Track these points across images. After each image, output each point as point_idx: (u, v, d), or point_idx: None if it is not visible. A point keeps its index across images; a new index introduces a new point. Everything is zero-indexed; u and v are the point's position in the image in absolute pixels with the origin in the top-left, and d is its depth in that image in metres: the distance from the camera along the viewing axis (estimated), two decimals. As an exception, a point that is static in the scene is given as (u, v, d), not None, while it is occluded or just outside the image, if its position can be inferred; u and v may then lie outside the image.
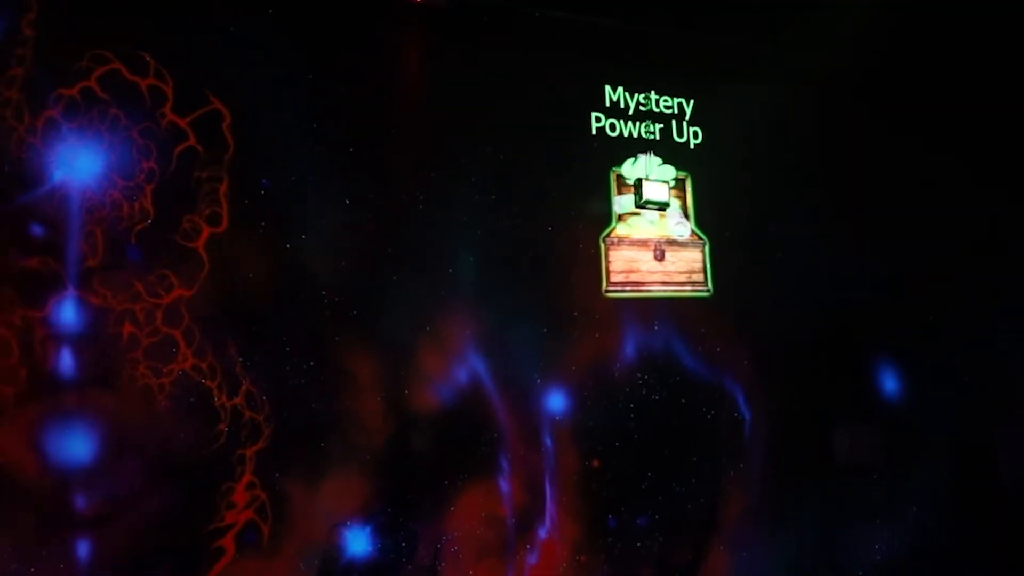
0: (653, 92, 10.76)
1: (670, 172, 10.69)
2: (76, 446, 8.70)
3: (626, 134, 10.68)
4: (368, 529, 9.52)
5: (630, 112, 10.69)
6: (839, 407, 10.79)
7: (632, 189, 10.49)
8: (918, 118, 10.99)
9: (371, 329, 9.62)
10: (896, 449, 10.75)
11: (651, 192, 10.49)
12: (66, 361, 8.72)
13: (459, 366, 9.89)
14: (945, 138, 10.92)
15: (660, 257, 10.55)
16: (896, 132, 10.99)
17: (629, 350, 10.38)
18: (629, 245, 10.52)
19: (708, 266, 10.69)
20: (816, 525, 10.34)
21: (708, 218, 10.71)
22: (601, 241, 10.46)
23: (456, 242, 9.95)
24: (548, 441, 10.09)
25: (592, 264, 10.39)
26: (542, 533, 9.97)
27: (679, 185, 10.72)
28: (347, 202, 9.70)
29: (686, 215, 10.70)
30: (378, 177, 9.78)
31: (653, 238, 10.53)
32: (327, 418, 9.47)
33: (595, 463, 10.19)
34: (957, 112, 10.90)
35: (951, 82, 10.82)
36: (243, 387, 9.26)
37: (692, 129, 10.88)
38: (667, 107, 10.88)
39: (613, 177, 10.57)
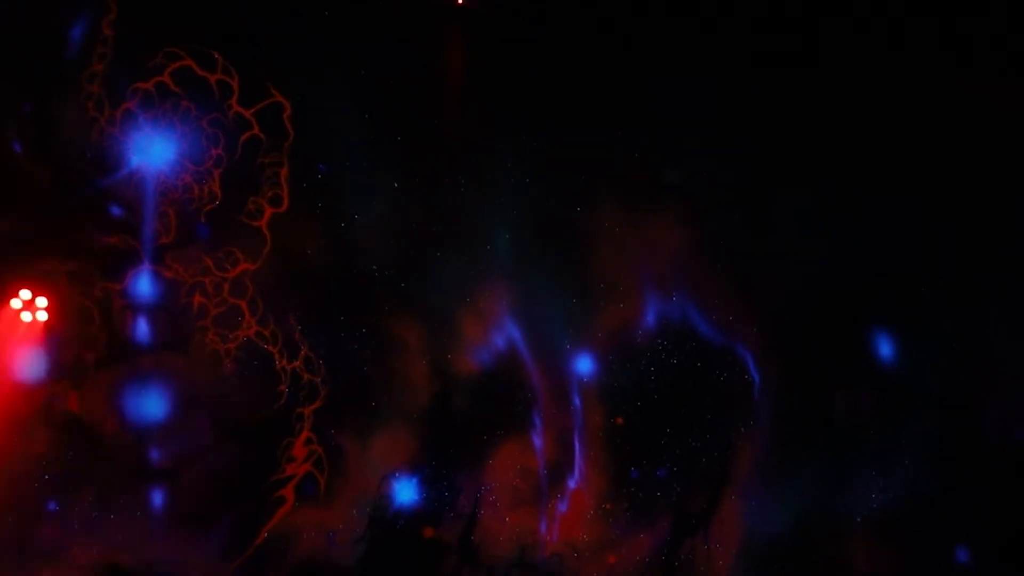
0: (668, 88, 10.73)
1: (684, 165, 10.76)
2: (151, 405, 9.00)
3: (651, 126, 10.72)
4: (415, 480, 9.78)
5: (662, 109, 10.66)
6: (839, 370, 10.84)
7: (653, 173, 10.68)
8: (909, 107, 10.94)
9: (417, 300, 9.82)
10: (890, 407, 10.86)
11: (669, 175, 10.72)
12: (142, 329, 9.02)
13: (496, 333, 10.13)
14: (936, 127, 10.84)
15: (676, 232, 10.61)
16: (889, 121, 10.99)
17: (650, 318, 10.55)
18: (650, 222, 10.57)
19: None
20: (818, 476, 10.45)
21: (724, 200, 10.78)
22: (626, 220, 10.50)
23: (494, 221, 10.14)
24: (577, 401, 10.32)
25: (618, 240, 10.47)
26: (571, 484, 10.23)
27: (694, 168, 10.81)
28: (395, 185, 9.89)
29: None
30: (423, 163, 9.94)
31: (671, 214, 10.61)
32: (377, 380, 9.73)
33: (619, 420, 10.42)
34: (947, 102, 10.83)
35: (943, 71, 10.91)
36: (302, 352, 9.48)
37: (705, 121, 10.85)
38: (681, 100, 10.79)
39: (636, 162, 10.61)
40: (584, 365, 10.39)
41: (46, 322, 8.90)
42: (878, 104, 10.93)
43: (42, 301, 8.84)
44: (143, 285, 9.06)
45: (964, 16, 10.44)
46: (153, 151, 9.21)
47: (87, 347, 8.81)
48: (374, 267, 9.67)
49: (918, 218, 10.87)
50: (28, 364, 8.72)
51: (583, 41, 10.44)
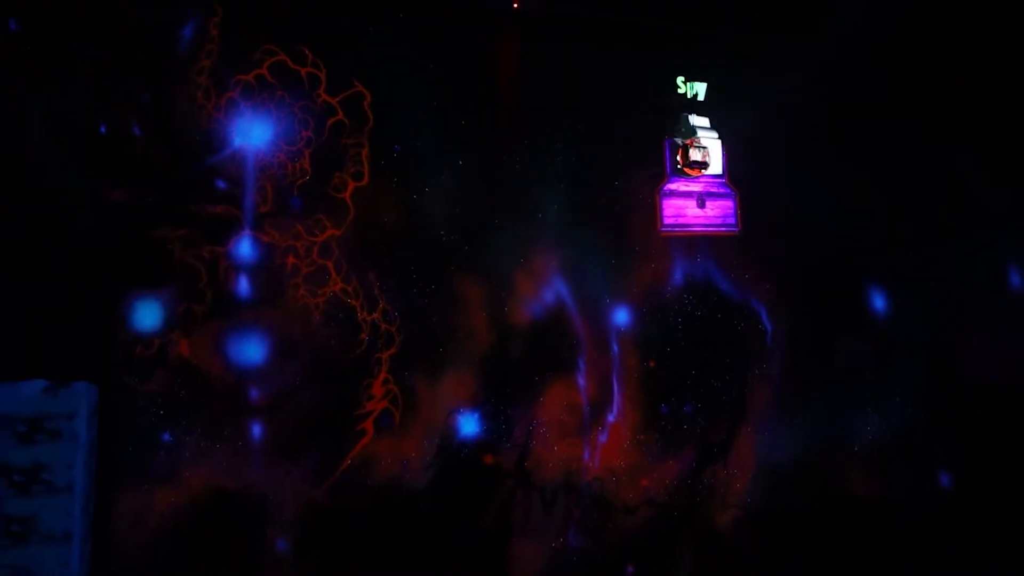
0: (697, 80, 10.51)
1: (709, 142, 10.43)
2: (251, 351, 8.68)
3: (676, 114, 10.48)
4: (476, 415, 9.47)
5: (687, 97, 10.48)
6: (839, 321, 10.61)
7: (681, 153, 10.28)
8: (904, 94, 10.70)
9: (478, 261, 9.55)
10: (883, 353, 10.58)
11: (695, 155, 10.26)
12: (243, 285, 8.72)
13: (546, 289, 9.79)
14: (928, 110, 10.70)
15: (702, 205, 10.32)
16: (888, 106, 10.70)
17: (678, 277, 10.24)
18: (678, 196, 10.31)
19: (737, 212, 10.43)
20: (821, 411, 10.23)
21: (737, 174, 10.53)
22: (656, 193, 10.26)
23: (544, 193, 9.82)
24: (615, 347, 9.97)
25: (650, 210, 10.22)
26: (610, 418, 9.88)
27: (716, 150, 10.47)
28: (460, 163, 9.57)
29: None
30: (484, 144, 9.65)
31: (697, 190, 10.31)
32: (444, 329, 9.43)
33: (651, 364, 10.06)
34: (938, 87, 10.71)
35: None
36: (380, 305, 9.18)
37: (725, 105, 10.61)
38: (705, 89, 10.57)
39: (667, 144, 10.36)
40: (621, 317, 10.02)
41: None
42: (877, 80, 10.69)
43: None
44: (244, 248, 8.75)
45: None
46: (253, 133, 8.90)
47: (196, 301, 8.50)
48: (441, 233, 9.36)
49: (906, 191, 10.66)
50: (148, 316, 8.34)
51: (619, 39, 10.14)
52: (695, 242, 10.41)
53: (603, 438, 9.87)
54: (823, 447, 10.31)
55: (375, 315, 9.21)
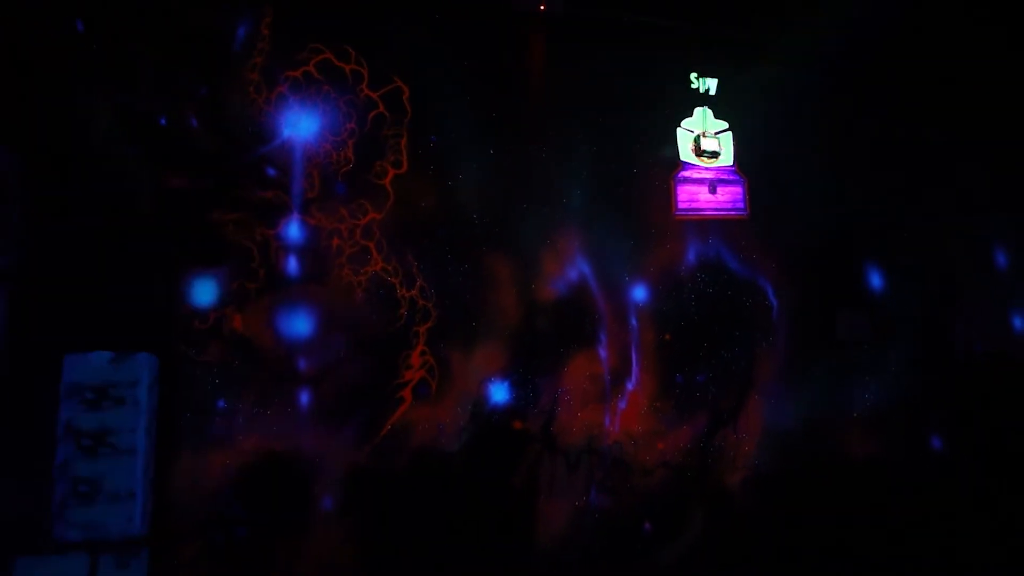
0: (708, 76, 10.49)
1: (721, 129, 10.40)
2: (299, 325, 8.62)
3: (691, 107, 10.47)
4: (506, 383, 9.38)
5: (700, 92, 10.45)
6: (840, 297, 10.56)
7: (694, 143, 10.25)
8: (902, 92, 10.65)
9: (508, 242, 9.48)
10: (880, 326, 10.53)
11: (707, 145, 10.23)
12: (291, 264, 8.67)
13: (570, 268, 9.72)
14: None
15: (713, 191, 10.24)
16: (885, 101, 10.65)
17: (691, 257, 10.18)
18: (691, 183, 10.24)
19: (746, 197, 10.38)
20: (823, 380, 10.13)
21: (745, 163, 10.44)
22: (671, 180, 10.23)
23: (568, 181, 9.76)
24: (634, 321, 9.89)
25: (665, 196, 10.16)
26: (629, 386, 9.79)
27: (726, 141, 10.42)
28: (491, 152, 9.50)
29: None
30: (513, 135, 9.59)
31: (708, 177, 10.24)
32: (476, 305, 9.37)
33: (667, 337, 9.96)
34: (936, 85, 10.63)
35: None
36: (417, 283, 9.11)
37: (734, 99, 10.55)
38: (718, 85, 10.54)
39: (681, 135, 10.35)
40: (639, 293, 9.93)
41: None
42: (875, 77, 10.63)
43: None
44: (292, 230, 8.69)
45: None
46: (301, 125, 8.85)
47: (249, 279, 8.45)
48: (474, 216, 9.32)
49: (901, 179, 10.58)
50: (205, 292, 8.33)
51: (637, 39, 10.11)
52: (707, 225, 10.32)
53: (622, 405, 9.76)
54: (824, 413, 10.18)
55: (413, 292, 9.14)
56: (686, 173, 10.31)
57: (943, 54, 10.45)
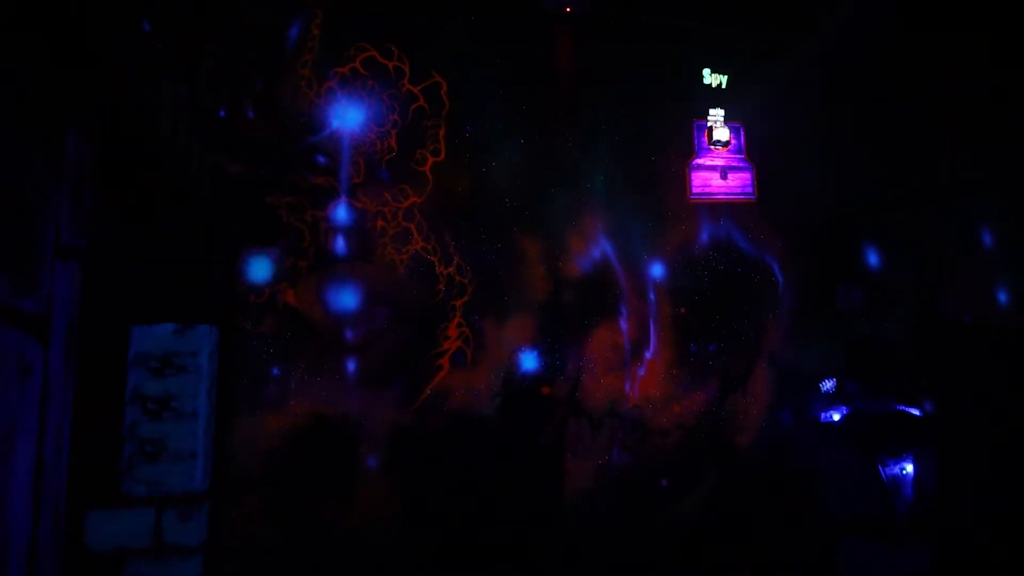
0: (720, 71, 10.25)
1: (731, 121, 10.22)
2: (346, 299, 8.50)
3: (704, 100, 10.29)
4: (535, 353, 9.24)
5: (713, 87, 10.23)
6: (839, 273, 10.37)
7: (707, 134, 10.07)
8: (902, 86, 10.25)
9: (537, 224, 9.33)
10: (875, 299, 10.36)
11: (719, 135, 10.03)
12: (340, 244, 8.54)
13: (594, 247, 9.59)
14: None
15: (724, 177, 10.00)
16: (881, 94, 10.33)
17: (704, 237, 10.04)
18: (704, 169, 10.02)
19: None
20: (824, 348, 10.04)
21: (754, 152, 10.25)
22: (686, 166, 9.99)
23: (593, 167, 9.61)
24: (652, 295, 9.75)
25: (681, 181, 10.02)
26: (648, 355, 9.66)
27: (736, 131, 10.22)
28: (521, 141, 9.32)
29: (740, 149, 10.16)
30: (542, 125, 9.46)
31: (720, 164, 10.04)
32: (508, 280, 9.24)
33: (682, 310, 9.83)
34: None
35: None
36: (455, 261, 8.95)
37: (744, 93, 10.30)
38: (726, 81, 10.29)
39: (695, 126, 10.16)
40: (657, 270, 9.74)
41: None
42: (873, 70, 10.24)
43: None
44: (340, 213, 8.54)
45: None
46: (348, 117, 8.65)
47: (301, 257, 8.31)
48: (506, 200, 9.12)
49: (895, 165, 10.26)
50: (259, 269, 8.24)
51: (655, 37, 9.98)
52: (718, 208, 10.11)
53: (641, 372, 9.63)
54: (826, 374, 10.14)
55: (450, 269, 8.98)
56: (700, 160, 10.02)
57: (935, 54, 10.04)
